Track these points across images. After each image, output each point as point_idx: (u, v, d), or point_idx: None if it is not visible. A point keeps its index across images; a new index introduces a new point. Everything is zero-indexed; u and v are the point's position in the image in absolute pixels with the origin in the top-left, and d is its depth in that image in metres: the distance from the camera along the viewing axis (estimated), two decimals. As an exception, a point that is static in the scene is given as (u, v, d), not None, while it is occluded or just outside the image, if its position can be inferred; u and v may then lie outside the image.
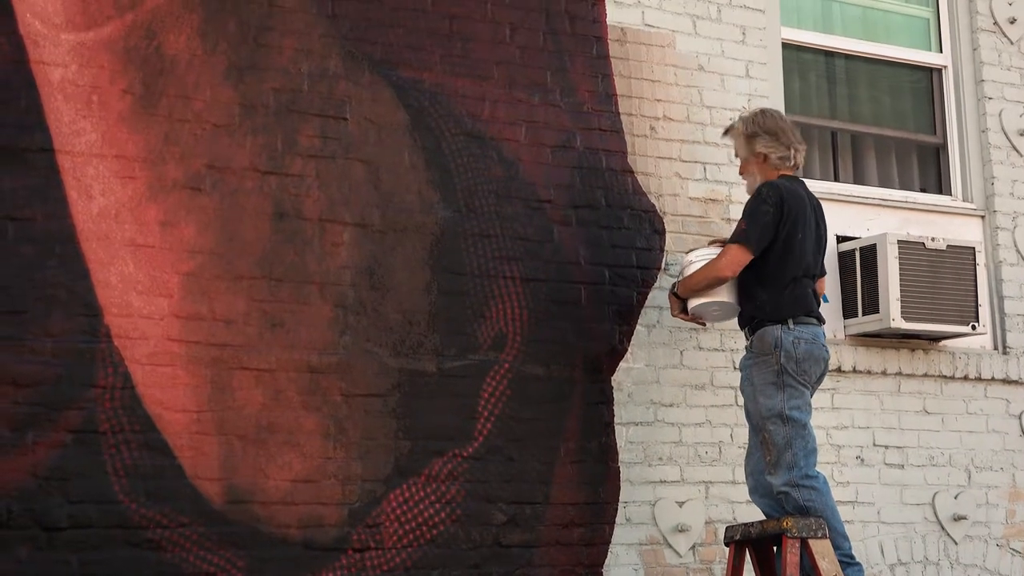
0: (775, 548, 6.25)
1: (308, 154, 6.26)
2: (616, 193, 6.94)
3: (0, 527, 5.46)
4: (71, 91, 5.82)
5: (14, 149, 5.69)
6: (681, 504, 6.93)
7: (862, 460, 7.45)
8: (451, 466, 6.33)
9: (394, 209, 6.40)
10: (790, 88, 7.80)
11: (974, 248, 7.61)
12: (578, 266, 6.77)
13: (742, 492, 6.66)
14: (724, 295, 6.38)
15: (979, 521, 7.70)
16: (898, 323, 7.37)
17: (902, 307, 7.37)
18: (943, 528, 7.60)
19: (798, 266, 6.27)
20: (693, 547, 6.92)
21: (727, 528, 6.49)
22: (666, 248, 7.03)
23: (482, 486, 6.38)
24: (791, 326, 6.21)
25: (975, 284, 7.59)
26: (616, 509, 6.69)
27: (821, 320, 6.34)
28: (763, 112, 6.57)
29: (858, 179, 8.04)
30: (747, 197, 6.47)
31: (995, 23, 8.26)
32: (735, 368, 6.85)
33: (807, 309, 6.27)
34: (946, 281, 7.53)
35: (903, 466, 7.55)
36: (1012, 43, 8.29)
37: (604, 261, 6.83)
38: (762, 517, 6.33)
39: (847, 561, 6.20)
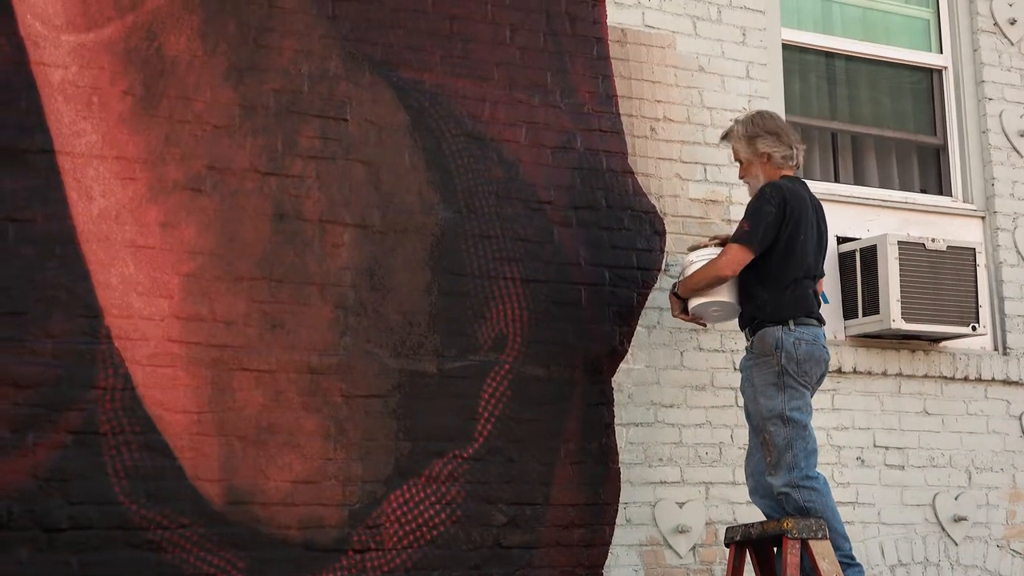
0: (775, 549, 6.25)
1: (308, 155, 6.26)
2: (616, 194, 6.94)
3: (0, 528, 5.46)
4: (71, 92, 5.82)
5: (14, 150, 5.69)
6: (681, 505, 6.93)
7: (862, 461, 7.45)
8: (451, 467, 6.33)
9: (394, 210, 6.41)
10: (790, 89, 7.80)
11: (974, 249, 7.61)
12: (578, 267, 6.77)
13: (742, 493, 6.66)
14: (724, 295, 6.38)
15: (979, 522, 7.71)
16: (898, 324, 7.37)
17: (902, 308, 7.38)
18: (943, 529, 7.60)
19: (799, 267, 6.27)
20: (693, 548, 6.92)
21: (727, 529, 6.49)
22: (666, 249, 7.03)
23: (482, 487, 6.38)
24: (792, 327, 6.21)
25: (975, 285, 7.59)
26: (616, 510, 6.69)
27: (822, 321, 6.34)
28: (760, 114, 6.57)
29: (858, 180, 8.04)
30: (748, 199, 6.47)
31: (995, 24, 8.26)
32: (735, 369, 6.86)
33: (808, 310, 6.27)
34: (946, 282, 7.53)
35: (903, 467, 7.55)
36: (1012, 44, 8.29)
37: (604, 262, 6.83)
38: (762, 518, 6.33)
39: (847, 562, 6.20)
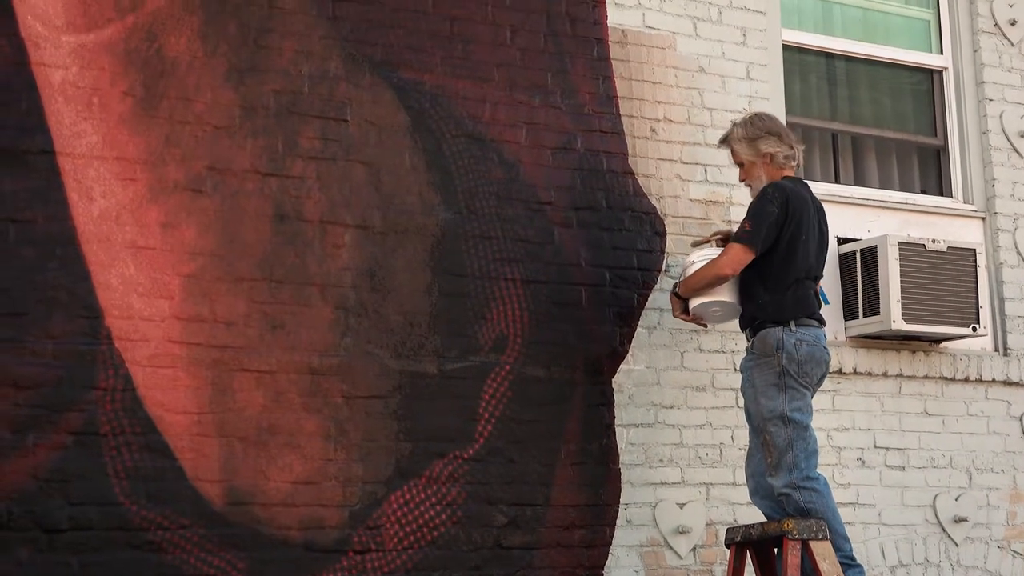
0: (776, 550, 6.25)
1: (309, 156, 6.27)
2: (617, 195, 6.94)
3: (1, 529, 5.45)
4: (72, 93, 5.82)
5: (15, 151, 5.69)
6: (682, 506, 6.93)
7: (863, 462, 7.45)
8: (452, 468, 6.33)
9: (395, 211, 6.41)
10: (791, 90, 7.80)
11: (975, 250, 7.61)
12: (579, 268, 6.77)
13: (743, 494, 6.65)
14: (725, 295, 6.38)
15: (980, 523, 7.70)
16: (899, 325, 7.37)
17: (903, 309, 7.37)
18: (944, 530, 7.60)
19: (801, 268, 6.27)
20: (694, 549, 6.92)
21: (728, 530, 6.49)
22: (667, 250, 7.03)
23: (483, 488, 6.38)
24: (793, 328, 6.21)
25: (976, 286, 7.59)
26: (617, 511, 6.69)
27: (822, 322, 6.34)
28: (759, 115, 6.57)
29: (859, 181, 8.04)
30: (749, 200, 6.47)
31: (996, 25, 8.26)
32: (736, 370, 6.86)
33: (809, 311, 6.27)
34: (947, 283, 7.53)
35: (904, 468, 7.55)
36: (1013, 45, 8.29)
37: (605, 263, 6.83)
38: (763, 519, 6.33)
39: (848, 563, 6.19)
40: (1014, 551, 7.79)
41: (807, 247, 6.29)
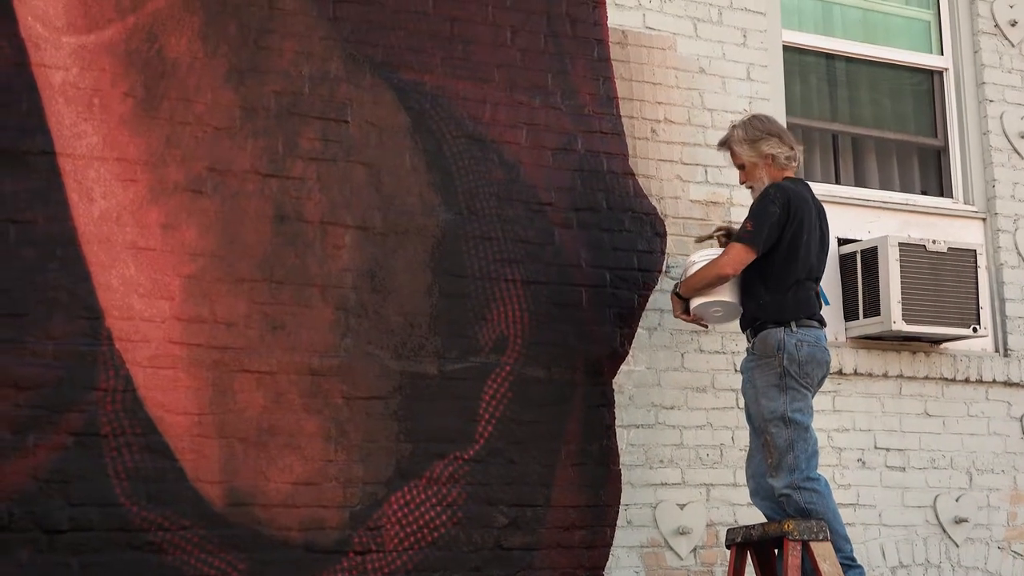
0: (776, 551, 6.26)
1: (309, 157, 6.27)
2: (617, 196, 6.94)
3: (1, 530, 5.45)
4: (72, 94, 5.82)
5: (15, 152, 5.69)
6: (682, 507, 6.93)
7: (863, 463, 7.45)
8: (452, 469, 6.33)
9: (395, 212, 6.41)
10: (791, 90, 7.80)
11: (975, 250, 7.61)
12: (579, 269, 6.77)
13: (743, 494, 6.65)
14: (726, 295, 6.38)
15: (980, 524, 7.70)
16: (899, 326, 7.37)
17: (903, 309, 7.37)
18: (944, 531, 7.60)
19: (802, 269, 6.27)
20: (694, 550, 6.91)
21: (728, 531, 6.49)
22: (667, 251, 7.03)
23: (483, 489, 6.38)
24: (794, 328, 6.21)
25: (976, 286, 7.59)
26: (617, 512, 6.69)
27: (823, 323, 6.34)
28: (757, 117, 6.57)
29: (859, 181, 8.04)
30: (750, 201, 6.47)
31: (996, 25, 8.26)
32: (736, 370, 6.85)
33: (810, 312, 6.27)
34: (947, 283, 7.53)
35: (904, 469, 7.55)
36: (1013, 45, 8.29)
37: (605, 264, 6.83)
38: (763, 520, 6.33)
39: (848, 564, 6.20)
40: (1015, 552, 7.79)
41: (808, 248, 6.29)
